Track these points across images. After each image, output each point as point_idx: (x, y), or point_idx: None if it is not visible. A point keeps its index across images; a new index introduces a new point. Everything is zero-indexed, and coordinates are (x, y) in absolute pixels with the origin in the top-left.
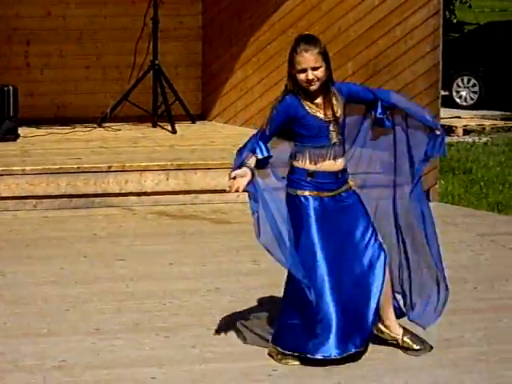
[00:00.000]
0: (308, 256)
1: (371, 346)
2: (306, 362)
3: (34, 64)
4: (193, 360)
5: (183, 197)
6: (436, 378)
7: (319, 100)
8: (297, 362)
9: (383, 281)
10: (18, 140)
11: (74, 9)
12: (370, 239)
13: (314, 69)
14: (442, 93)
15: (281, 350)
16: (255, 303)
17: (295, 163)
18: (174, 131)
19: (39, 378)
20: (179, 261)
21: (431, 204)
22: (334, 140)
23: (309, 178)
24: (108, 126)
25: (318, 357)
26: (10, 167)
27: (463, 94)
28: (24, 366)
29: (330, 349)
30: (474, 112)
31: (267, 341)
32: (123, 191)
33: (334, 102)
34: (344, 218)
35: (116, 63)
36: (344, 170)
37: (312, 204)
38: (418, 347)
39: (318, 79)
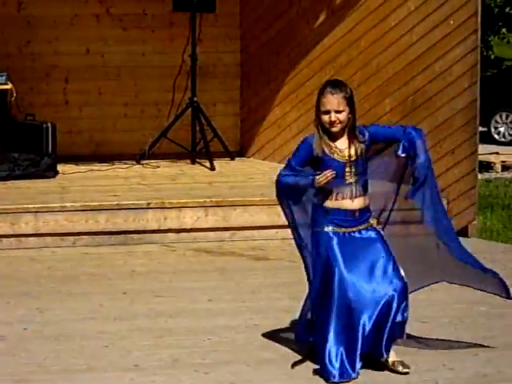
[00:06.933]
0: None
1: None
2: None
3: (72, 101)
4: None
5: (222, 233)
6: None
7: (339, 142)
8: None
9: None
10: (57, 177)
11: (112, 46)
12: (388, 270)
13: (338, 112)
14: (480, 129)
15: None
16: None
17: (315, 200)
18: (212, 168)
19: None
20: (218, 297)
21: (470, 240)
22: (350, 180)
23: (326, 215)
24: (147, 163)
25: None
26: (49, 204)
27: (501, 130)
28: None
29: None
30: None
31: None
32: (162, 228)
33: (354, 144)
34: (364, 252)
35: (154, 100)
36: (364, 209)
37: (331, 238)
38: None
39: (340, 122)
